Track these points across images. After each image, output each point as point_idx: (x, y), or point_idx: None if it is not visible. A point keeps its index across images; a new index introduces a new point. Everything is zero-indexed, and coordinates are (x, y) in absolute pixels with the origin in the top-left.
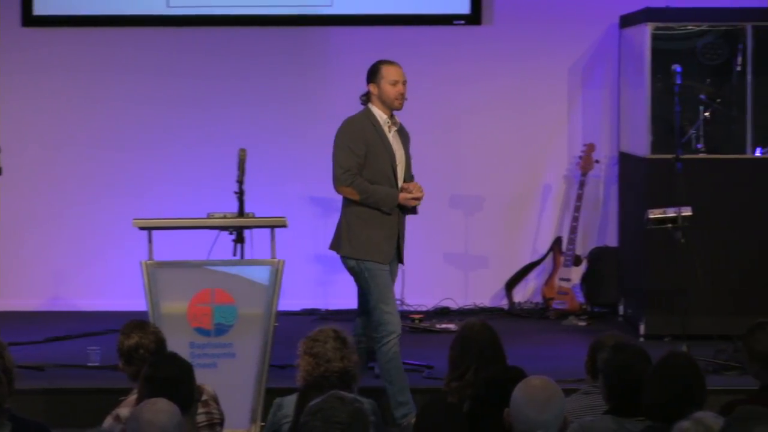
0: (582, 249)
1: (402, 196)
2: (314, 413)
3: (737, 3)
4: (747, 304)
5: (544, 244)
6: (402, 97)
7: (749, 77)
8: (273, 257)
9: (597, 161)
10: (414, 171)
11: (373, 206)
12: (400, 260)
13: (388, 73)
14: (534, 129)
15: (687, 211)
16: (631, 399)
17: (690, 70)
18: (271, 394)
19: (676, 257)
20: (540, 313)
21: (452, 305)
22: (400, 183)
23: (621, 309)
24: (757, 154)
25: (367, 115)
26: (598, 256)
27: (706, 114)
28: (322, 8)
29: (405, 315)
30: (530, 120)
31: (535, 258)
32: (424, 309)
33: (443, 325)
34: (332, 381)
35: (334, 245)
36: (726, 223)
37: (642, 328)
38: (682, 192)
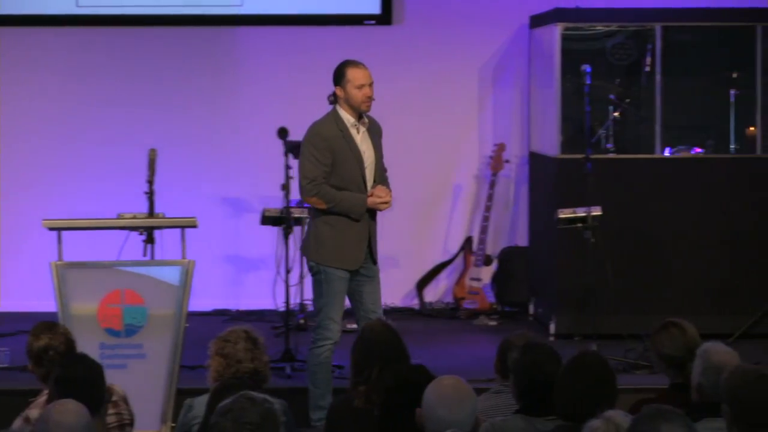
0: (492, 249)
1: (371, 200)
2: (224, 414)
3: (646, 3)
4: (656, 303)
5: (455, 244)
6: (369, 99)
7: (658, 77)
8: (183, 258)
9: (507, 161)
10: None
11: (341, 213)
12: (374, 261)
13: (354, 76)
14: (444, 129)
15: (597, 211)
16: (542, 398)
17: (599, 71)
18: (181, 395)
19: (586, 257)
20: (451, 313)
21: None
22: (370, 186)
23: (531, 308)
24: (666, 154)
25: (335, 118)
26: (508, 255)
27: (616, 114)
28: (232, 8)
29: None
30: (441, 120)
31: (446, 258)
32: None
33: (353, 326)
34: (243, 381)
35: (304, 249)
36: (635, 223)
37: (552, 328)
38: (591, 192)
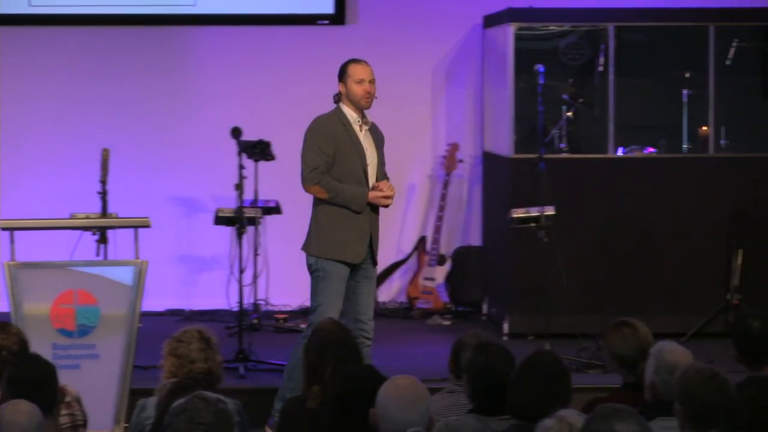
0: (446, 248)
1: (372, 194)
2: (178, 414)
3: (599, 3)
4: (609, 303)
5: (409, 244)
6: (369, 95)
7: (611, 77)
8: (136, 258)
9: (461, 161)
10: (278, 171)
11: (342, 205)
12: (374, 262)
13: (355, 71)
14: (398, 129)
15: (550, 211)
16: (495, 398)
17: (553, 70)
18: (134, 395)
19: (540, 256)
20: (404, 313)
21: None
22: (372, 183)
23: (485, 308)
24: (620, 153)
25: (338, 114)
26: (462, 255)
27: (569, 114)
28: (185, 8)
29: (269, 315)
30: (394, 120)
31: (400, 257)
32: (289, 309)
33: (304, 325)
34: (197, 382)
35: (304, 245)
36: (589, 223)
37: (505, 327)
38: (545, 191)
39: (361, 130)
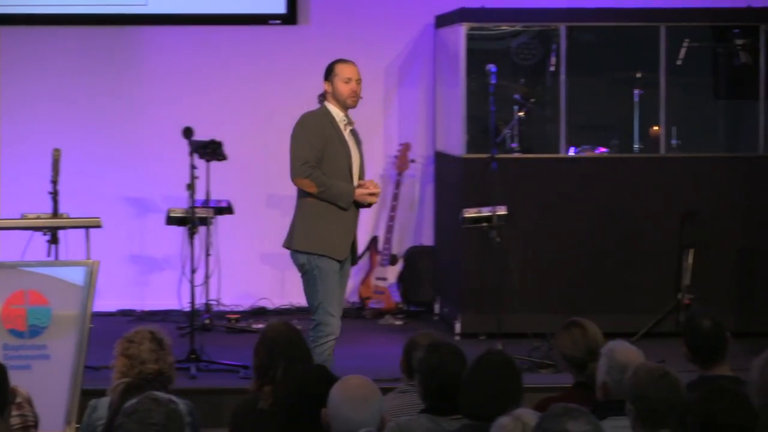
0: (398, 248)
1: (359, 191)
2: (130, 415)
3: (551, 4)
4: (561, 303)
5: (361, 244)
6: (355, 94)
7: (563, 77)
8: (88, 258)
9: (413, 161)
10: (232, 170)
11: (329, 200)
12: (354, 261)
13: (342, 70)
14: None
15: (502, 210)
16: (447, 398)
17: (505, 70)
18: (86, 396)
19: (491, 256)
20: (356, 312)
21: (269, 305)
22: (356, 180)
23: (437, 308)
24: (571, 153)
25: (324, 111)
26: (414, 255)
27: (521, 114)
28: (137, 7)
29: (221, 315)
30: None
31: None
32: (241, 309)
33: (260, 326)
34: (148, 382)
35: (287, 242)
36: (540, 222)
37: (457, 327)
38: (497, 191)
39: (345, 130)
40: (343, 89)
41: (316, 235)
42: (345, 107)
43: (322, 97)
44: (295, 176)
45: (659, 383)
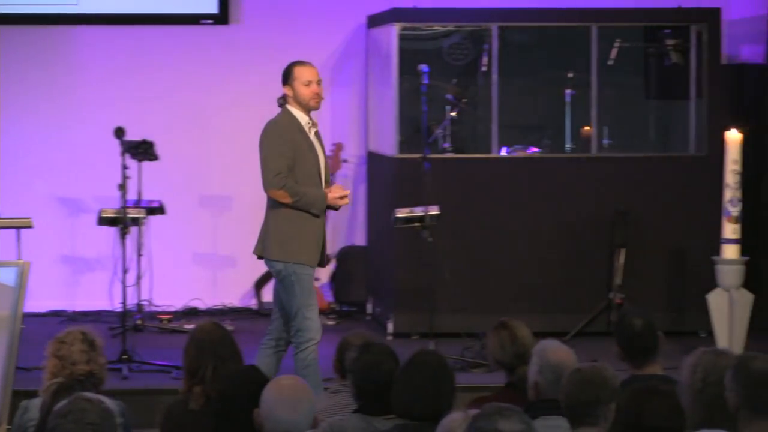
0: (331, 248)
1: (330, 196)
2: (64, 415)
3: (483, 4)
4: (493, 302)
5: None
6: (318, 96)
7: (494, 77)
8: (19, 258)
9: (345, 161)
10: (162, 170)
11: (303, 209)
12: (321, 263)
13: (301, 74)
14: None
15: (434, 210)
16: (380, 397)
17: (437, 70)
18: (17, 397)
19: (424, 256)
20: None
21: (201, 305)
22: (324, 184)
23: (369, 308)
24: (503, 153)
25: (288, 117)
26: (346, 255)
27: (453, 114)
28: (68, 7)
29: (153, 316)
30: None
31: None
32: (173, 309)
33: (191, 326)
34: (80, 383)
35: (259, 250)
36: (473, 222)
37: (390, 327)
38: (429, 191)
39: (310, 132)
40: (305, 93)
41: (290, 243)
42: (308, 110)
43: (283, 100)
44: (268, 187)
45: (591, 383)
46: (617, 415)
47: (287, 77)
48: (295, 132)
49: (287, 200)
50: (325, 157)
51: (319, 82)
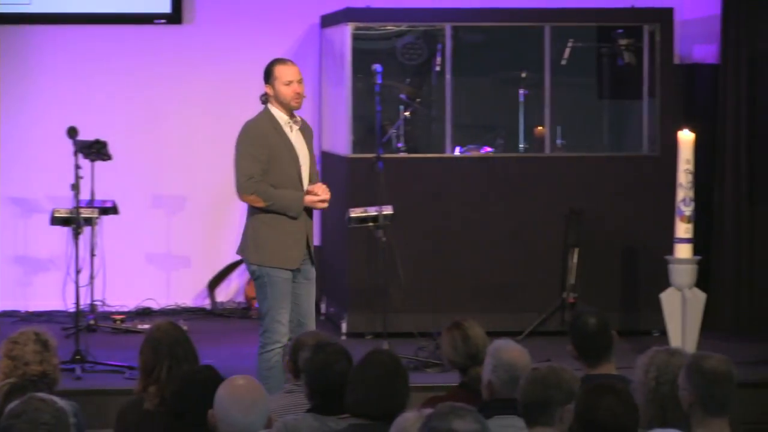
0: None
1: (308, 198)
2: (17, 415)
3: (437, 3)
4: (447, 302)
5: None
6: (299, 96)
7: (448, 77)
8: None
9: None
10: (115, 170)
11: (279, 212)
12: (312, 262)
13: (282, 73)
14: (236, 128)
15: (388, 210)
16: (334, 397)
17: (390, 70)
18: None
19: (378, 256)
20: (242, 313)
21: (154, 305)
22: (306, 184)
23: (323, 307)
24: (457, 152)
25: (268, 116)
26: None
27: (407, 113)
28: (20, 6)
29: (106, 316)
30: (232, 119)
31: (238, 258)
32: (126, 309)
33: (145, 326)
34: (33, 384)
35: (240, 250)
36: (427, 222)
37: (344, 327)
38: (383, 191)
39: (291, 131)
40: (286, 92)
41: (266, 247)
42: (289, 110)
43: (265, 98)
44: (240, 192)
45: (544, 383)
46: (575, 413)
47: (268, 76)
48: (272, 133)
49: (260, 204)
50: (311, 156)
51: (300, 81)
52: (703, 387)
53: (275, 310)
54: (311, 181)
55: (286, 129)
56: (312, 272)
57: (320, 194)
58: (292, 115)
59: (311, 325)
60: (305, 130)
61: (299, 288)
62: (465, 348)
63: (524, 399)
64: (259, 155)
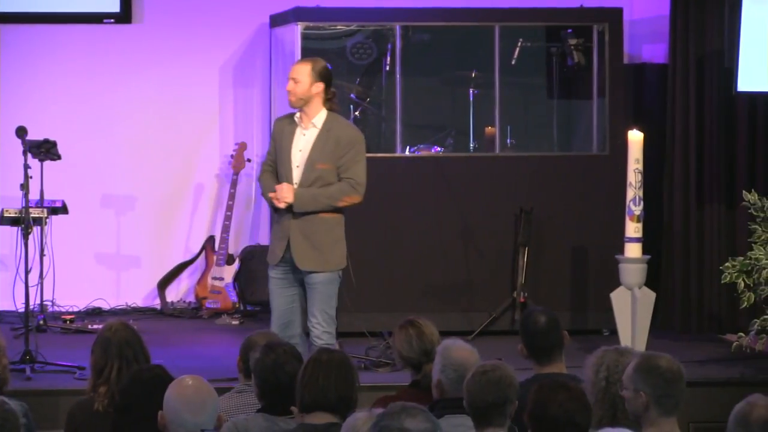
0: (234, 248)
1: (270, 193)
2: None
3: (386, 3)
4: (398, 301)
5: (197, 244)
6: (288, 93)
7: (398, 77)
8: None
9: (249, 160)
10: (64, 171)
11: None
12: (301, 266)
13: None
14: (185, 128)
15: None
16: (284, 397)
17: (340, 70)
18: None
19: None
20: (193, 313)
21: (104, 305)
22: (296, 184)
23: None
24: (407, 152)
25: (292, 114)
26: (250, 254)
27: (357, 113)
28: None
29: (56, 316)
30: (182, 119)
31: (188, 257)
32: (76, 309)
33: (95, 326)
34: None
35: None
36: (377, 221)
37: None
38: None
39: (305, 129)
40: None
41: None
42: (292, 107)
43: None
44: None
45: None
46: (522, 413)
47: None
48: (284, 129)
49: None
50: (317, 157)
51: (291, 78)
52: (661, 387)
53: (272, 310)
54: (313, 184)
55: (298, 129)
56: (314, 277)
57: (277, 192)
58: (305, 115)
59: (316, 326)
60: (331, 135)
61: (308, 292)
62: (420, 344)
63: (479, 401)
64: (270, 147)
